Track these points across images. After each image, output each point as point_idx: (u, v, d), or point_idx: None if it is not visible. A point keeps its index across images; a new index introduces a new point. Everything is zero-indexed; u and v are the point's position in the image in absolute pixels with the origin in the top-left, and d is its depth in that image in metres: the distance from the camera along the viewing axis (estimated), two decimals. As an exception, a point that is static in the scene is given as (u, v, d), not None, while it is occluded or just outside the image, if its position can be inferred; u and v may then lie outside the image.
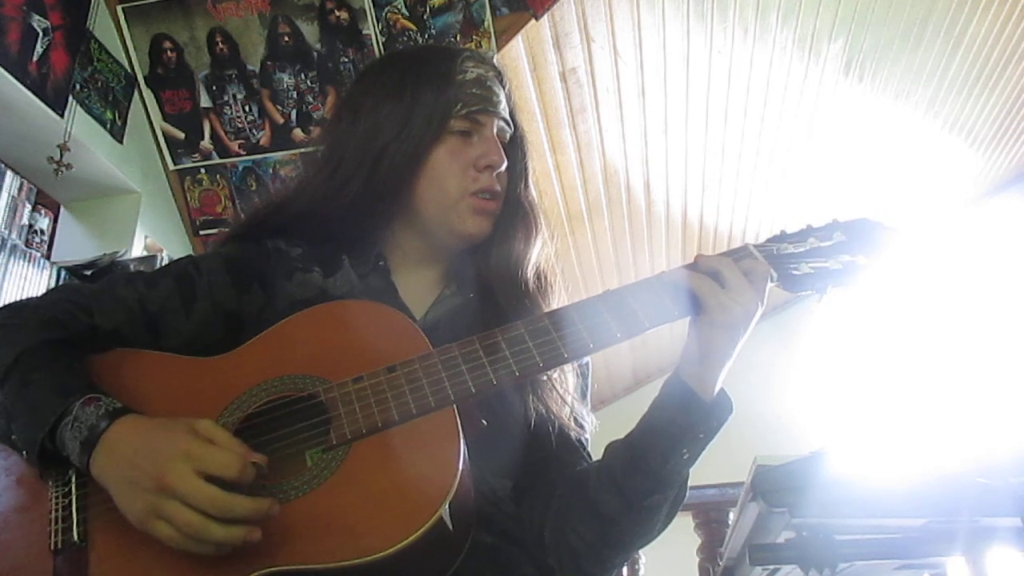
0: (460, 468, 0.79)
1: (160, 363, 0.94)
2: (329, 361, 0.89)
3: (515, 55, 2.98)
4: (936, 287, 4.87)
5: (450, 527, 0.78)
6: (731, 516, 2.45)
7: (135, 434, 0.81)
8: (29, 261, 2.49)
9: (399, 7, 2.78)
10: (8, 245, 2.44)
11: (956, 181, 4.99)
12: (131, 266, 2.61)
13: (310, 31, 2.86)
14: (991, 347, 4.81)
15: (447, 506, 0.77)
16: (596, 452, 1.00)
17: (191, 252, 3.06)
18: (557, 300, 1.07)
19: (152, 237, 2.92)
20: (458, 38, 2.76)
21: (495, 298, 1.04)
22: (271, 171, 3.06)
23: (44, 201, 2.73)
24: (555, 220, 3.88)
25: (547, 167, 3.59)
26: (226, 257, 1.05)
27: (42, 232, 2.68)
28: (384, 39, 2.81)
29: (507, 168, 1.07)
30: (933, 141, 4.46)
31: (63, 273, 2.57)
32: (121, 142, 2.83)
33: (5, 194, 2.50)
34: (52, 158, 2.43)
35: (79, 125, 2.57)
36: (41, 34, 2.46)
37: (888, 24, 3.49)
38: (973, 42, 3.77)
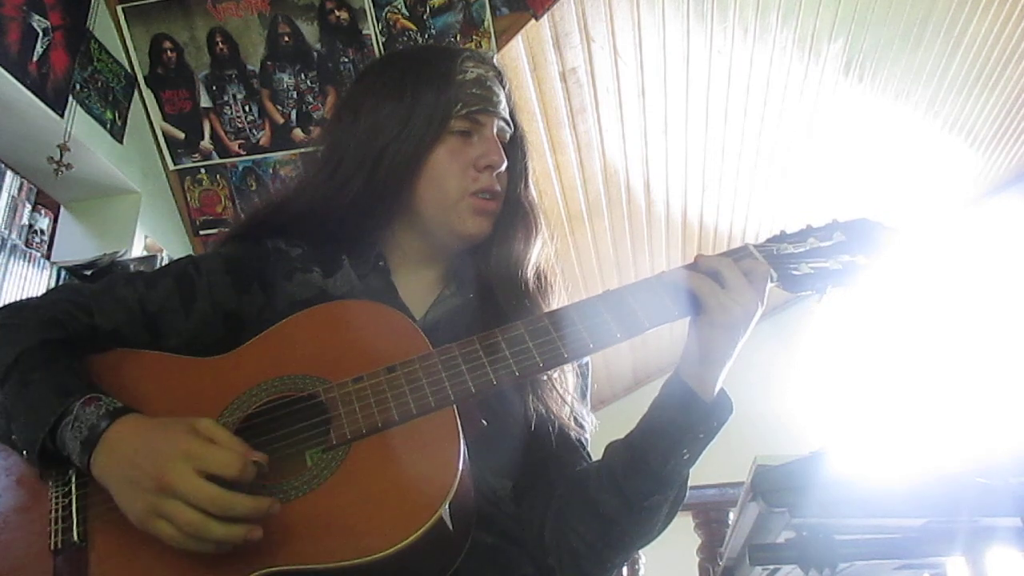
0: (460, 468, 0.79)
1: (160, 363, 0.94)
2: (329, 361, 0.89)
3: (515, 55, 2.98)
4: (936, 287, 4.87)
5: (450, 527, 0.78)
6: (731, 516, 2.45)
7: (135, 434, 0.81)
8: (29, 261, 2.49)
9: (399, 7, 2.78)
10: (8, 245, 2.44)
11: (956, 181, 4.99)
12: (131, 266, 2.61)
13: (310, 31, 2.86)
14: (991, 347, 4.81)
15: (447, 506, 0.77)
16: (596, 452, 1.00)
17: (191, 252, 3.06)
18: (557, 300, 1.07)
19: (152, 237, 2.92)
20: (458, 38, 2.76)
21: (495, 298, 1.04)
22: (271, 171, 3.06)
23: (44, 201, 2.73)
24: (555, 220, 3.88)
25: (547, 167, 3.59)
26: (226, 257, 1.05)
27: (42, 232, 2.69)
28: (384, 39, 2.81)
29: (507, 168, 1.07)
30: (933, 141, 4.46)
31: (63, 273, 2.57)
32: (121, 142, 2.83)
33: (5, 194, 2.50)
34: (52, 158, 2.43)
35: (79, 125, 2.57)
36: (41, 34, 2.46)
37: (888, 24, 3.49)
38: (973, 42, 3.77)
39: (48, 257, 2.64)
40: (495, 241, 1.08)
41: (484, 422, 0.86)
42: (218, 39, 2.90)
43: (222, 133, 3.03)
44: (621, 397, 5.60)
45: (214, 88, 2.98)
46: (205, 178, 3.10)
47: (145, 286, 1.00)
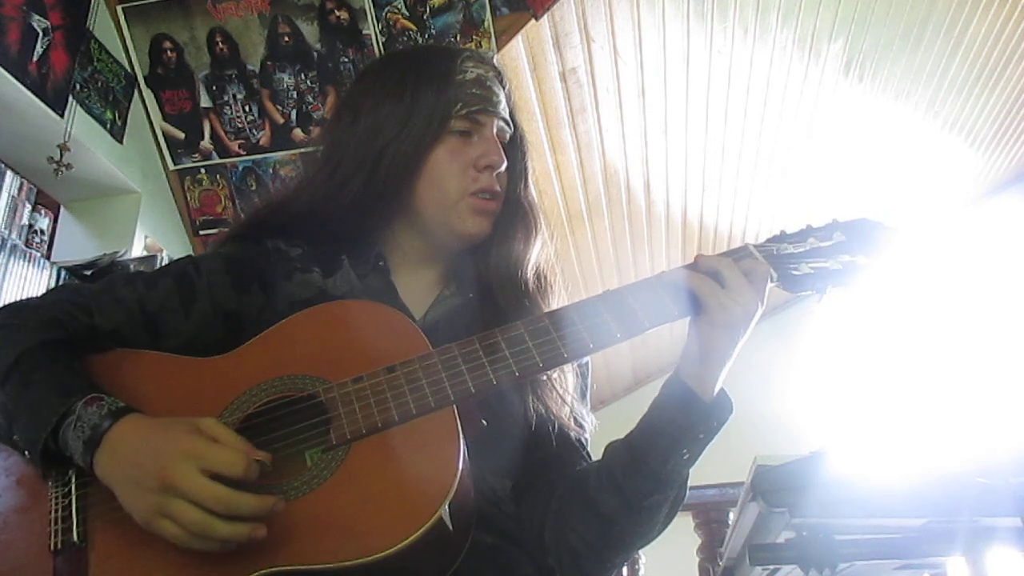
0: (460, 468, 0.79)
1: (160, 363, 0.94)
2: (329, 361, 0.89)
3: (515, 55, 2.98)
4: (936, 287, 4.87)
5: (450, 527, 0.78)
6: (731, 516, 2.45)
7: (138, 433, 0.81)
8: (29, 261, 2.49)
9: (399, 7, 2.78)
10: (8, 245, 2.44)
11: (956, 181, 4.99)
12: (131, 266, 2.62)
13: (310, 31, 2.86)
14: (991, 347, 4.81)
15: (447, 506, 0.77)
16: (596, 452, 1.00)
17: (191, 252, 3.06)
18: (557, 300, 1.07)
19: (152, 237, 2.92)
20: (458, 38, 2.76)
21: (495, 298, 1.04)
22: (271, 171, 3.06)
23: (44, 201, 2.73)
24: (555, 220, 3.88)
25: (547, 167, 3.59)
26: (226, 257, 1.05)
27: (42, 232, 2.69)
28: (384, 39, 2.81)
29: (507, 168, 1.07)
30: (933, 141, 4.46)
31: (63, 273, 2.57)
32: (121, 142, 2.83)
33: (5, 194, 2.50)
34: (52, 158, 2.43)
35: (79, 125, 2.57)
36: (41, 34, 2.46)
37: (888, 24, 3.49)
38: (973, 42, 3.77)
39: (48, 257, 2.64)
40: (495, 241, 1.08)
41: (484, 422, 0.86)
42: (218, 39, 2.90)
43: (222, 133, 3.03)
44: (621, 397, 5.60)
45: (214, 88, 2.98)
46: (205, 178, 3.10)
47: (145, 286, 1.00)
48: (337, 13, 2.82)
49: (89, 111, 2.66)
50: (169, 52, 2.92)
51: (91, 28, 2.67)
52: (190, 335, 0.99)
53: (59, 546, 0.83)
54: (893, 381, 5.00)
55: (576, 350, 0.87)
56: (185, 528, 0.75)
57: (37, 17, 2.45)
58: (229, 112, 3.00)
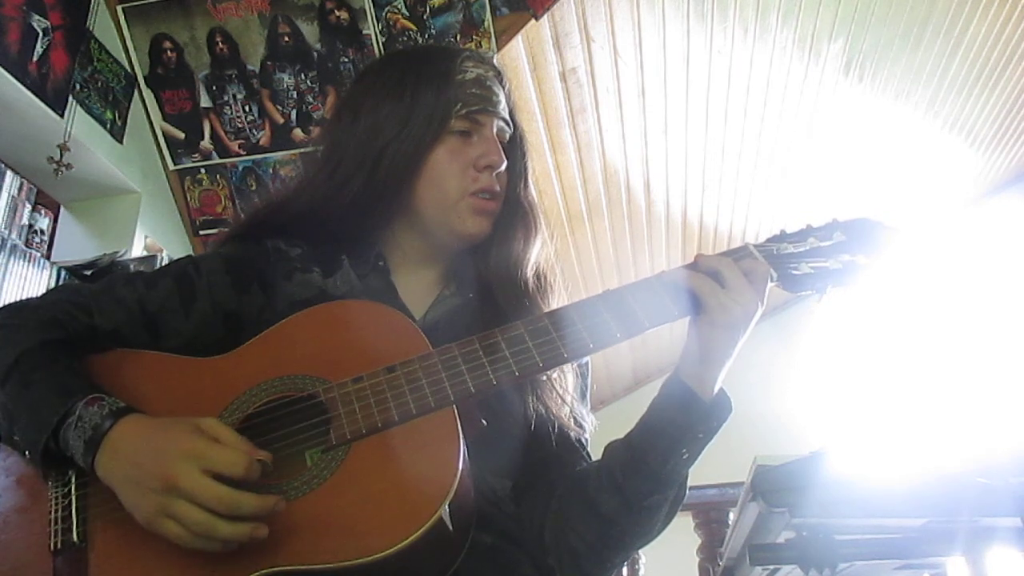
0: (460, 468, 0.79)
1: (160, 363, 0.94)
2: (329, 361, 0.89)
3: (515, 55, 2.98)
4: (936, 287, 4.87)
5: (450, 527, 0.78)
6: (731, 516, 2.45)
7: (139, 433, 0.81)
8: (29, 261, 2.49)
9: (399, 7, 2.78)
10: (8, 245, 2.44)
11: (956, 181, 4.99)
12: (131, 266, 2.62)
13: (310, 31, 2.86)
14: (991, 347, 4.81)
15: (447, 506, 0.77)
16: (596, 452, 1.00)
17: (191, 252, 3.06)
18: (557, 300, 1.07)
19: (152, 237, 2.92)
20: (458, 38, 2.76)
21: (495, 298, 1.04)
22: (271, 171, 3.06)
23: (44, 201, 2.73)
24: (555, 220, 3.88)
25: (547, 167, 3.59)
26: (226, 257, 1.05)
27: (42, 232, 2.69)
28: (384, 39, 2.81)
29: (507, 168, 1.07)
30: (933, 141, 4.46)
31: (63, 273, 2.57)
32: (121, 142, 2.83)
33: (5, 194, 2.50)
34: (52, 158, 2.43)
35: (79, 125, 2.57)
36: (41, 34, 2.46)
37: (888, 24, 3.49)
38: (973, 42, 3.77)
39: (48, 257, 2.65)
40: (495, 241, 1.08)
41: (484, 422, 0.86)
42: (218, 39, 2.90)
43: (222, 133, 3.03)
44: (621, 397, 5.60)
45: (214, 88, 2.98)
46: (205, 178, 3.10)
47: (145, 286, 1.00)
48: (337, 13, 2.82)
49: (89, 111, 2.66)
50: (169, 52, 2.92)
51: (91, 28, 2.67)
52: (190, 335, 0.99)
53: (59, 546, 0.83)
54: (893, 381, 5.00)
55: (576, 350, 0.87)
56: (187, 528, 0.75)
57: (37, 17, 2.45)
58: (229, 112, 3.00)
